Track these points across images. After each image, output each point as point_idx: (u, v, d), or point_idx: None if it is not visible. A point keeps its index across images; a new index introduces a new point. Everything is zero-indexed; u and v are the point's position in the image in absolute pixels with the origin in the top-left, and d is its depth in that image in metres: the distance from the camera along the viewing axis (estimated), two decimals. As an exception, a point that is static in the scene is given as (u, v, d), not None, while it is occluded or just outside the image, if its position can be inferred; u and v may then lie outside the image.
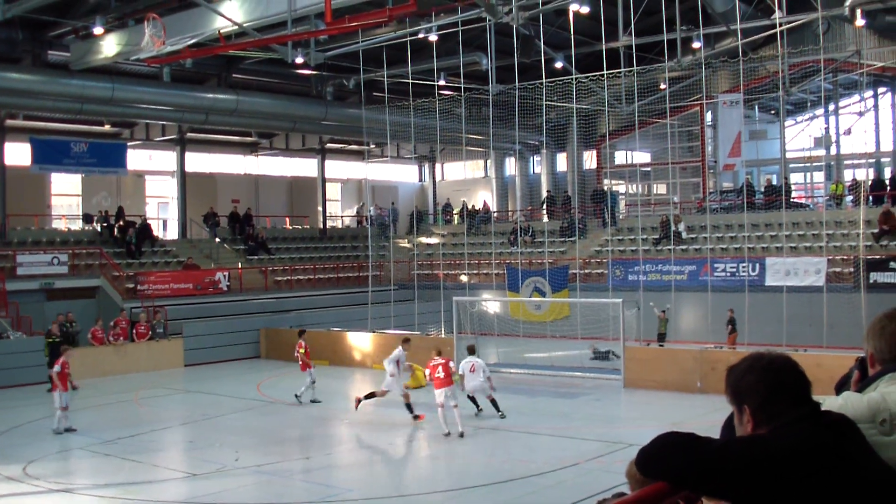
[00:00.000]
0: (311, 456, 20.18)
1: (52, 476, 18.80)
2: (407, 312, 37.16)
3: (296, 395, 26.63)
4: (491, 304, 39.20)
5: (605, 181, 50.60)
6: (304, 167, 54.67)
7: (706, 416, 19.95)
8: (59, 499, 17.16)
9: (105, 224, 42.36)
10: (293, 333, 35.23)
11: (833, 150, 44.69)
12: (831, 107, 45.68)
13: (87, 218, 44.33)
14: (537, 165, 55.29)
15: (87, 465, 20.50)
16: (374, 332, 34.84)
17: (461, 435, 21.07)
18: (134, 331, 35.17)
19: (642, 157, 49.99)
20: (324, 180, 52.98)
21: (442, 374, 21.88)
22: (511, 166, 56.35)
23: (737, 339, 31.56)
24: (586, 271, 40.96)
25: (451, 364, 22.74)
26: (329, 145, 53.06)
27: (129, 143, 44.22)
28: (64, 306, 35.42)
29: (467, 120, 41.01)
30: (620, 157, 52.62)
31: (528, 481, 17.47)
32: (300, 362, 27.03)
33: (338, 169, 56.15)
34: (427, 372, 22.95)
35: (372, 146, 51.15)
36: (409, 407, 23.22)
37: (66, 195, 47.40)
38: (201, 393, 29.66)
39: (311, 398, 26.60)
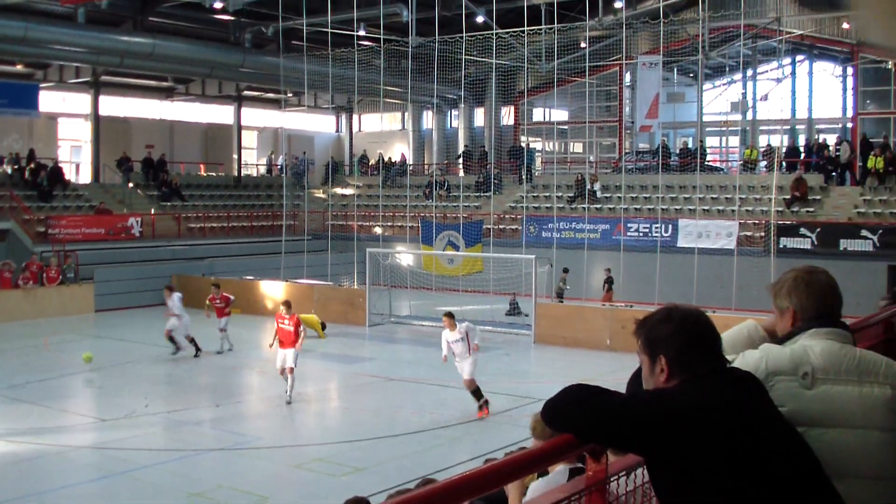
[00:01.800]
0: (220, 404, 20.27)
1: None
2: (320, 263, 37.23)
3: (218, 352, 26.59)
4: (404, 256, 39.37)
5: (522, 138, 50.90)
6: (221, 114, 54.14)
7: (615, 373, 20.37)
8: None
9: (16, 166, 41.57)
10: (206, 281, 35.15)
11: (749, 116, 45.45)
12: (749, 72, 46.37)
13: (-1, 159, 43.50)
14: (455, 120, 55.37)
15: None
16: (286, 281, 34.87)
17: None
18: (44, 275, 34.70)
19: (560, 115, 50.34)
20: (240, 128, 52.59)
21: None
22: (428, 120, 56.30)
23: (613, 298, 32.31)
24: (501, 227, 41.35)
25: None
26: (246, 93, 52.59)
27: (41, 85, 43.34)
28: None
29: (386, 72, 40.88)
30: (538, 115, 53.01)
31: (436, 433, 17.79)
32: (215, 310, 26.93)
33: (254, 117, 55.64)
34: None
35: (289, 95, 50.84)
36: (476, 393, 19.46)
37: (-24, 136, 46.43)
38: (112, 339, 29.48)
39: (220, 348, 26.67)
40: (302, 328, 21.28)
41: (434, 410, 19.65)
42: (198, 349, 25.88)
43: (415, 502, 2.84)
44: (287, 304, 21.52)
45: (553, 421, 3.30)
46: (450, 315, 19.69)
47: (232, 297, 27.61)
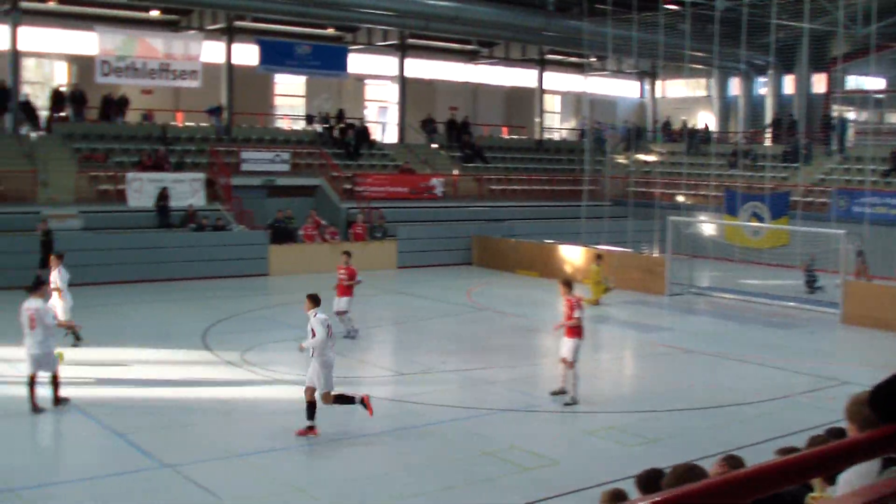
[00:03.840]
0: (516, 365, 20.12)
1: (266, 364, 19.39)
2: (620, 229, 36.54)
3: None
4: (706, 226, 38.16)
5: (835, 107, 48.14)
6: (523, 77, 54.13)
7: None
8: (273, 385, 17.70)
9: (326, 125, 43.23)
10: (505, 242, 35.32)
11: None
12: None
13: (308, 119, 45.35)
14: (762, 87, 53.05)
15: (300, 356, 21.00)
16: (585, 246, 34.41)
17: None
18: (350, 231, 35.89)
19: (877, 83, 47.27)
20: (542, 92, 52.42)
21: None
22: (734, 86, 54.30)
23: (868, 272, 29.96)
24: (808, 199, 39.28)
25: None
26: (549, 57, 52.31)
27: (350, 47, 44.67)
28: (284, 203, 36.43)
29: (691, 36, 39.59)
30: (852, 83, 49.93)
31: (733, 409, 16.92)
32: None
33: (557, 81, 55.38)
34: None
35: (592, 59, 50.21)
36: None
37: (290, 96, 48.61)
38: (412, 296, 30.03)
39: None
40: (356, 279, 22.36)
41: (733, 386, 18.72)
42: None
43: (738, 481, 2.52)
44: (347, 253, 23.21)
45: (883, 408, 2.87)
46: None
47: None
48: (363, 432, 14.91)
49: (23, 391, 15.32)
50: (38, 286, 16.12)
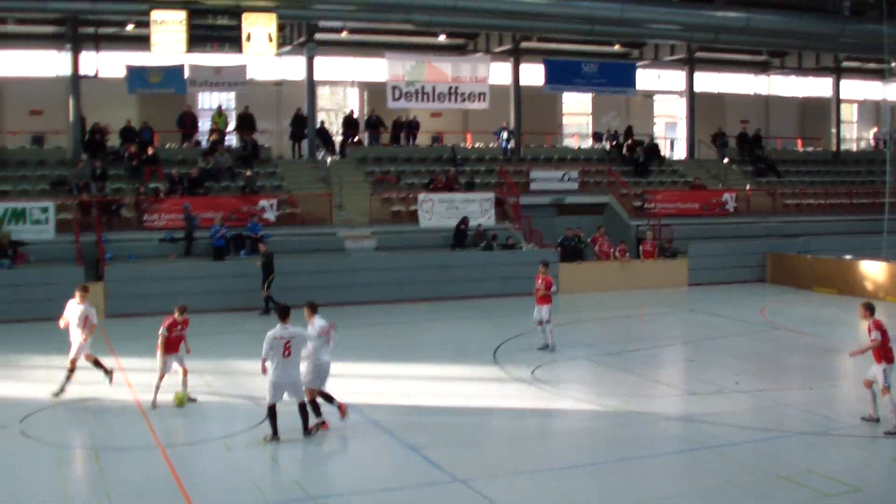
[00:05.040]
0: (813, 386, 19.34)
1: (556, 381, 19.52)
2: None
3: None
4: None
5: None
6: (817, 87, 52.12)
7: None
8: (563, 402, 17.78)
9: (614, 143, 43.19)
10: (801, 259, 34.10)
11: None
12: None
13: (596, 136, 45.46)
14: None
15: (590, 373, 21.09)
16: (889, 262, 32.61)
17: None
18: (640, 248, 35.69)
19: None
20: (838, 101, 50.26)
21: None
22: None
23: None
24: None
25: None
26: (845, 64, 50.03)
27: (638, 63, 44.38)
28: (573, 221, 36.61)
29: None
30: None
31: None
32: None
33: (854, 89, 52.96)
34: None
35: (893, 64, 47.67)
36: None
37: (577, 114, 48.83)
38: (704, 314, 29.45)
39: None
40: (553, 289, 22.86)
41: None
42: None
43: None
44: (545, 263, 23.73)
45: None
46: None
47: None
48: (653, 453, 14.75)
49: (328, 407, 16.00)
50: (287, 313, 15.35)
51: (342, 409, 15.96)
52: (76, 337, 18.06)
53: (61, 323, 18.27)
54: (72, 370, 18.00)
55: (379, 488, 12.97)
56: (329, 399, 15.91)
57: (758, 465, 13.90)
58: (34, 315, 20.95)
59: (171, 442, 14.99)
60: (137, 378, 17.83)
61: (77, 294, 18.24)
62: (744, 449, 14.70)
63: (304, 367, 15.40)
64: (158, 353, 17.19)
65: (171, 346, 17.21)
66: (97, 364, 18.38)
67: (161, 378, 17.12)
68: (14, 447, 14.87)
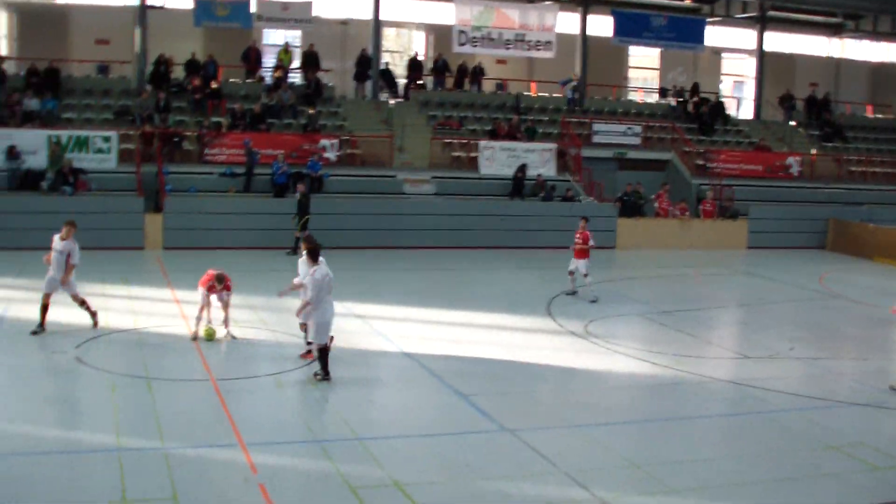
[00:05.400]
0: (868, 357, 19.11)
1: (610, 336, 19.45)
2: None
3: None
4: None
5: None
6: (891, 52, 51.01)
7: None
8: (614, 358, 17.71)
9: (679, 99, 42.65)
10: (863, 227, 33.59)
11: None
12: None
13: (662, 92, 44.94)
14: None
15: (643, 331, 20.99)
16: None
17: None
18: (700, 207, 35.38)
19: None
20: (914, 67, 49.27)
21: None
22: None
23: None
24: None
25: None
26: (923, 29, 48.96)
27: (707, 20, 43.66)
28: (633, 176, 36.35)
29: None
30: None
31: None
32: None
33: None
34: None
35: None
36: None
37: (643, 68, 48.30)
38: (761, 277, 29.17)
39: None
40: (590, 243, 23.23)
41: None
42: None
43: None
44: (585, 218, 24.02)
45: None
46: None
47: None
48: (701, 414, 14.70)
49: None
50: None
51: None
52: (55, 273, 17.51)
53: (45, 259, 17.76)
54: (45, 307, 17.45)
55: (425, 433, 13.04)
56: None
57: (807, 433, 13.78)
58: (92, 243, 21.18)
59: (223, 375, 15.16)
60: (192, 311, 17.99)
61: (63, 229, 17.67)
62: (793, 416, 14.57)
63: (309, 323, 15.27)
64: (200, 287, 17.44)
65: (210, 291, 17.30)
66: (83, 304, 18.00)
67: (202, 310, 17.24)
68: (69, 372, 15.17)
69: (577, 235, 23.35)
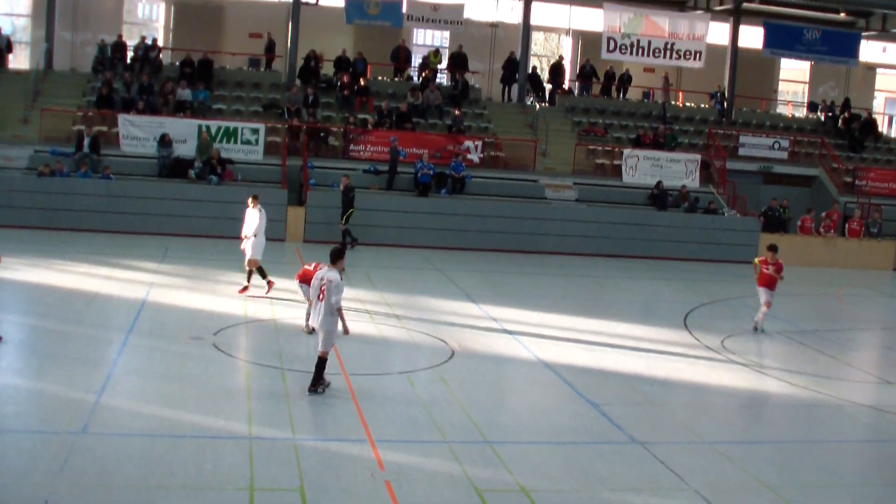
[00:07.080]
0: None
1: (746, 353, 19.17)
2: None
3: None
4: None
5: None
6: None
7: None
8: (750, 375, 17.47)
9: (829, 114, 41.70)
10: None
11: None
12: None
13: (812, 106, 43.97)
14: None
15: (781, 349, 20.60)
16: None
17: None
18: (846, 226, 34.57)
19: None
20: None
21: None
22: None
23: None
24: None
25: None
26: None
27: (863, 34, 42.53)
28: (779, 191, 35.72)
29: None
30: None
31: None
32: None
33: None
34: None
35: None
36: None
37: (793, 81, 47.41)
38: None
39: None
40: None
41: None
42: None
43: None
44: (773, 247, 21.35)
45: None
46: None
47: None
48: (838, 437, 14.41)
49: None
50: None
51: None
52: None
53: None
54: (250, 272, 19.92)
55: (555, 440, 13.07)
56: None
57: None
58: (237, 233, 21.81)
59: (356, 371, 15.44)
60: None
61: (249, 201, 20.43)
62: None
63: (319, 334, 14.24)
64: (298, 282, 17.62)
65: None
66: (251, 274, 20.13)
67: (311, 304, 17.04)
68: (207, 358, 15.63)
69: (769, 266, 21.24)
